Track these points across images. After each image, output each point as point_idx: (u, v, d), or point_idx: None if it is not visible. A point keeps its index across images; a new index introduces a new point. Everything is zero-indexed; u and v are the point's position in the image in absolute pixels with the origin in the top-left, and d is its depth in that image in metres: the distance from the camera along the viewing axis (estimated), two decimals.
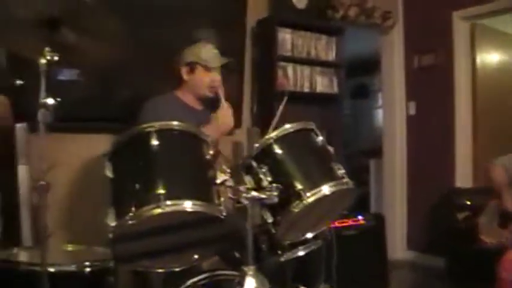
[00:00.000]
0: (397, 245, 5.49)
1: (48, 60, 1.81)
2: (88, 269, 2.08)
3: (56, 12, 1.82)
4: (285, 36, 4.48)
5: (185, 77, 3.10)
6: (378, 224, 4.25)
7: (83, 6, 1.84)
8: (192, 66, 3.08)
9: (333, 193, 2.01)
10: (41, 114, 1.76)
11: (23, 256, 2.35)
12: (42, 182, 1.77)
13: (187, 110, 3.09)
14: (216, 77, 3.09)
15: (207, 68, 3.07)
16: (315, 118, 4.29)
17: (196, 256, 2.02)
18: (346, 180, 2.07)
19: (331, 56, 4.80)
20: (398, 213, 5.60)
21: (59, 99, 1.77)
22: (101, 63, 2.43)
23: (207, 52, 3.09)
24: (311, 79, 4.66)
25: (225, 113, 2.97)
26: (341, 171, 2.08)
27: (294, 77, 4.55)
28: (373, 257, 4.17)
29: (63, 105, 1.85)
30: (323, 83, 4.71)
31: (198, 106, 3.17)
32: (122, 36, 1.96)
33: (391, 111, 5.71)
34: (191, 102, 3.14)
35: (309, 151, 2.15)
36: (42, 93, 1.79)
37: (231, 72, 4.00)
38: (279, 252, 2.26)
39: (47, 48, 1.81)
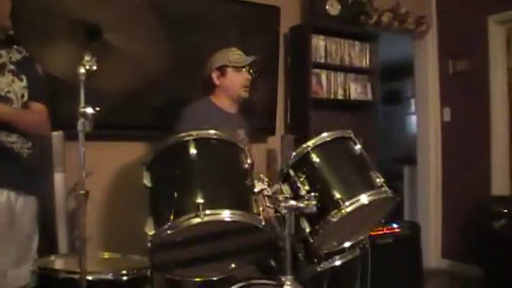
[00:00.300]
0: (432, 254, 5.40)
1: (87, 70, 1.81)
2: (125, 278, 2.07)
3: (94, 20, 1.82)
4: (319, 43, 4.46)
5: (217, 82, 3.13)
6: (413, 232, 4.19)
7: (121, 14, 1.84)
8: (222, 70, 3.12)
9: (371, 202, 1.99)
10: (80, 124, 1.76)
11: (59, 263, 2.36)
12: (81, 191, 1.76)
13: (223, 115, 3.11)
14: (247, 75, 3.13)
15: (237, 69, 3.10)
16: (349, 125, 4.26)
17: (233, 265, 2.01)
18: (385, 188, 2.04)
19: (365, 62, 4.76)
20: (433, 221, 5.52)
21: (98, 108, 1.77)
22: None
23: (234, 54, 3.13)
24: (345, 86, 4.63)
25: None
26: (380, 180, 2.05)
27: (327, 84, 4.53)
28: (408, 266, 4.11)
29: (102, 113, 1.86)
30: (357, 90, 4.67)
31: (233, 110, 3.18)
32: (158, 43, 1.94)
33: (425, 118, 5.63)
34: (226, 107, 3.15)
35: (346, 159, 2.13)
36: (81, 102, 1.79)
37: (263, 76, 4.01)
38: (316, 261, 2.23)
39: (86, 57, 1.81)
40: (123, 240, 2.93)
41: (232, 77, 3.11)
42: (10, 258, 2.36)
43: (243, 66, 3.11)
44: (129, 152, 3.68)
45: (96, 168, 3.10)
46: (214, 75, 3.13)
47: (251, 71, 3.14)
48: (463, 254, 5.21)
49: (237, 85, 3.12)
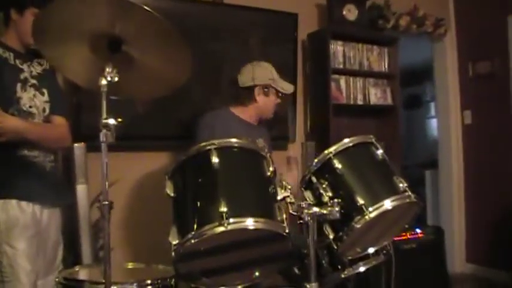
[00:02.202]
0: (456, 258, 5.33)
1: (108, 81, 1.82)
2: (149, 287, 2.08)
3: (116, 32, 1.84)
4: (337, 49, 4.44)
5: (258, 97, 3.12)
6: (437, 237, 4.15)
7: (141, 26, 1.85)
8: (266, 89, 3.11)
9: (395, 207, 1.98)
10: (102, 135, 1.77)
11: (84, 274, 2.38)
12: (105, 202, 1.77)
13: (242, 124, 3.12)
14: (279, 100, 3.18)
15: (277, 93, 3.15)
16: (370, 131, 4.27)
17: (257, 273, 2.00)
18: (408, 193, 2.02)
19: (384, 66, 4.74)
20: (457, 225, 5.45)
21: (120, 119, 1.77)
22: None
23: (277, 76, 3.15)
24: (364, 91, 4.61)
25: (292, 179, 2.94)
26: (403, 185, 2.04)
27: (347, 90, 4.51)
28: (432, 271, 4.07)
29: (123, 124, 1.86)
30: (377, 95, 4.64)
31: (253, 121, 3.18)
32: (179, 53, 1.95)
33: (446, 121, 5.58)
34: (246, 117, 3.15)
35: (369, 165, 2.12)
36: (104, 113, 1.80)
37: None
38: (340, 268, 2.22)
39: (107, 69, 1.83)
40: (147, 250, 2.94)
41: (272, 100, 3.15)
42: (38, 269, 2.38)
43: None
44: (152, 162, 3.70)
45: (120, 178, 3.16)
46: (258, 91, 3.12)
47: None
48: (489, 258, 5.14)
49: (272, 108, 3.17)
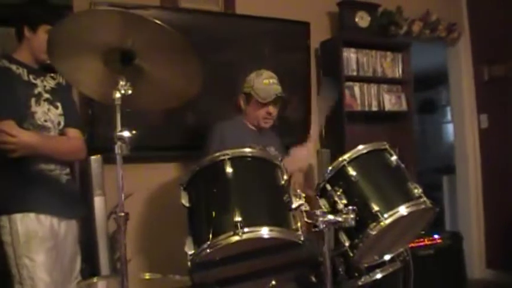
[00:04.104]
0: (475, 264, 5.27)
1: (122, 94, 1.85)
2: None
3: (128, 45, 1.86)
4: (350, 56, 4.45)
5: (242, 106, 3.12)
6: (455, 243, 4.13)
7: (152, 40, 1.87)
8: (248, 97, 3.09)
9: (410, 213, 1.98)
10: (117, 147, 1.80)
11: (102, 285, 2.40)
12: (121, 213, 1.79)
13: (252, 132, 3.12)
14: (270, 109, 3.05)
15: (260, 102, 3.04)
16: (385, 137, 4.25)
17: (274, 282, 2.01)
18: (423, 199, 2.02)
19: (398, 72, 4.72)
20: (475, 230, 5.40)
21: (134, 131, 1.80)
22: None
23: (261, 83, 3.03)
24: (378, 97, 4.60)
25: (302, 151, 2.95)
26: (418, 191, 2.04)
27: (361, 97, 4.50)
28: (451, 277, 4.05)
29: (136, 135, 1.88)
30: (391, 101, 4.63)
31: (259, 129, 3.15)
32: (190, 65, 1.97)
33: (462, 125, 5.54)
34: (255, 126, 3.14)
35: (383, 171, 2.12)
36: (118, 125, 1.82)
37: (296, 92, 4.02)
38: (357, 275, 2.21)
39: (121, 82, 1.85)
40: (164, 261, 2.96)
41: (255, 108, 3.06)
42: (57, 281, 2.40)
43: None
44: (168, 172, 3.73)
45: (136, 189, 3.18)
46: (241, 99, 3.12)
47: (274, 104, 3.06)
48: (509, 263, 5.08)
49: (258, 116, 3.07)
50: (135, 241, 3.50)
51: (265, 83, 3.03)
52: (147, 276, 2.49)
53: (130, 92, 1.86)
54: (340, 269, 2.19)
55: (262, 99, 3.01)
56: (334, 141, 4.30)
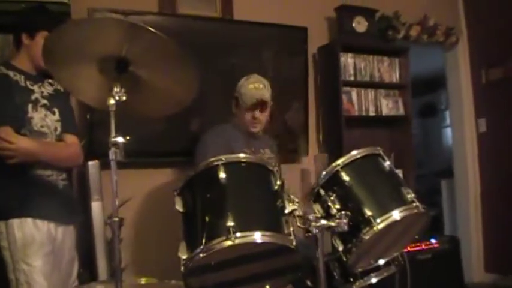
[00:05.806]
0: (474, 268, 5.27)
1: (116, 101, 1.87)
2: None
3: (123, 53, 1.88)
4: (347, 61, 4.45)
5: (233, 110, 3.16)
6: (453, 247, 4.14)
7: (148, 48, 1.89)
8: (236, 102, 3.13)
9: (403, 218, 1.99)
10: (112, 153, 1.82)
11: None
12: (115, 218, 1.81)
13: (246, 136, 3.13)
14: (255, 114, 3.07)
15: (245, 106, 3.07)
16: (383, 141, 4.28)
17: (268, 287, 2.02)
18: (416, 204, 2.03)
19: (395, 77, 4.73)
20: (474, 234, 5.39)
21: (128, 137, 1.82)
22: None
23: (246, 88, 3.06)
24: (376, 102, 4.60)
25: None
26: (411, 196, 2.05)
27: (358, 102, 4.51)
28: (449, 282, 4.05)
29: (132, 141, 1.90)
30: (388, 105, 4.64)
31: (252, 133, 3.17)
32: (187, 72, 1.99)
33: (461, 129, 5.54)
34: (249, 129, 3.15)
35: (376, 176, 2.14)
36: (112, 132, 1.85)
37: (294, 97, 4.04)
38: (351, 280, 2.22)
39: (115, 89, 1.87)
40: (160, 265, 2.97)
41: (243, 112, 3.10)
42: (54, 286, 2.42)
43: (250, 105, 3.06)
44: (164, 178, 3.73)
45: (134, 195, 3.19)
46: (233, 103, 3.16)
47: (261, 108, 3.07)
48: (508, 267, 5.08)
49: (245, 120, 3.10)
50: (132, 246, 3.51)
51: (249, 88, 3.06)
52: (143, 280, 2.50)
53: (124, 98, 1.88)
54: (335, 274, 2.20)
55: (244, 103, 3.05)
56: (332, 146, 4.31)
